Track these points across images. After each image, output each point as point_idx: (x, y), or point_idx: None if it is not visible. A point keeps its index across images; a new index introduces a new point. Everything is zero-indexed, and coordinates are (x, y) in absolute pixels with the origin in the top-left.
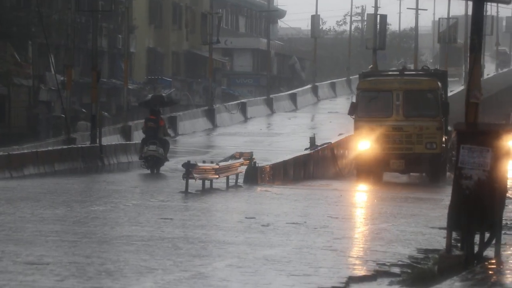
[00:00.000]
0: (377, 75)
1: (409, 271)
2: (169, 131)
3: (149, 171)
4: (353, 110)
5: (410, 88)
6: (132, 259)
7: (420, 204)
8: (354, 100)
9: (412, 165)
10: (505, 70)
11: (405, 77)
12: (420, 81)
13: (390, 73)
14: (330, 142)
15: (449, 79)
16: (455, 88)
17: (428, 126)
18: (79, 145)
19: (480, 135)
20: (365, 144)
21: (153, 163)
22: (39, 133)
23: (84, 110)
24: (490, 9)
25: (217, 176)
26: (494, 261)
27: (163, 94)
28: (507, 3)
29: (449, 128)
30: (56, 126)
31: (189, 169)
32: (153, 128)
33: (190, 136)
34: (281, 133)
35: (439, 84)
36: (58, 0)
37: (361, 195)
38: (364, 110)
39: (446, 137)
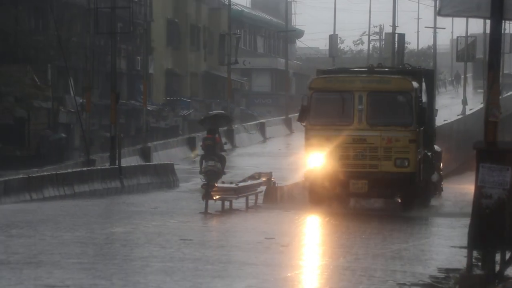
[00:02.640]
0: (337, 72)
1: None
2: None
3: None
4: (304, 115)
5: (376, 89)
6: (153, 280)
7: (438, 222)
8: (305, 103)
9: (377, 187)
10: None
11: (372, 75)
12: (389, 80)
13: (354, 69)
14: None
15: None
16: (476, 106)
17: (399, 138)
18: (99, 167)
19: (499, 154)
20: (318, 159)
21: (212, 177)
22: (44, 156)
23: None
24: (509, 27)
25: (237, 197)
26: None
27: (224, 112)
28: None
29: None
30: (58, 148)
31: (209, 190)
32: (211, 146)
33: None
34: (300, 152)
35: (415, 85)
36: (77, 23)
37: (378, 214)
38: (317, 116)
39: (430, 154)
